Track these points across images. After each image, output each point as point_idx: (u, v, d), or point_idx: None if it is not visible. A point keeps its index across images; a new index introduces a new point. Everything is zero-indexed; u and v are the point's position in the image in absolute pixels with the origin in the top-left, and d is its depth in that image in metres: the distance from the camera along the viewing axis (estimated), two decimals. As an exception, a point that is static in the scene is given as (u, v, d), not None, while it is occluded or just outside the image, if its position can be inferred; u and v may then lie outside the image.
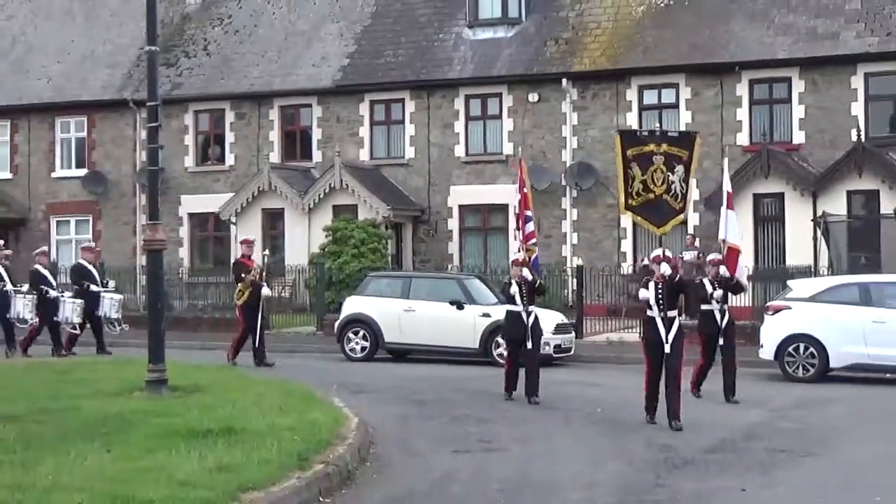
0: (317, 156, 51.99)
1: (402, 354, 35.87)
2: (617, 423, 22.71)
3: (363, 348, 35.51)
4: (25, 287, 33.71)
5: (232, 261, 37.67)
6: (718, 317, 26.20)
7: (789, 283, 35.09)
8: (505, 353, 32.95)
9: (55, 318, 33.64)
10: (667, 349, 21.92)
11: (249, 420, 19.38)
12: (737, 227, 27.98)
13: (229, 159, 53.79)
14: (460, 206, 50.30)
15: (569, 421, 23.03)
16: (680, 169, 23.49)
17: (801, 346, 30.35)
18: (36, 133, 57.09)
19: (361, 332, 35.72)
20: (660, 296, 22.18)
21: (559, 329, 34.45)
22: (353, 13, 54.00)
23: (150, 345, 23.82)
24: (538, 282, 26.29)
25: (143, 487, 14.89)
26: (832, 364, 29.56)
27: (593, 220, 47.93)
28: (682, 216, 24.54)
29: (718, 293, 26.11)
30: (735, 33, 46.69)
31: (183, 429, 18.46)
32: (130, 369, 24.77)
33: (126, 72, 55.02)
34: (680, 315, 23.16)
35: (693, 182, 23.99)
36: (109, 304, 35.10)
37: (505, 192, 49.01)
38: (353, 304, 36.37)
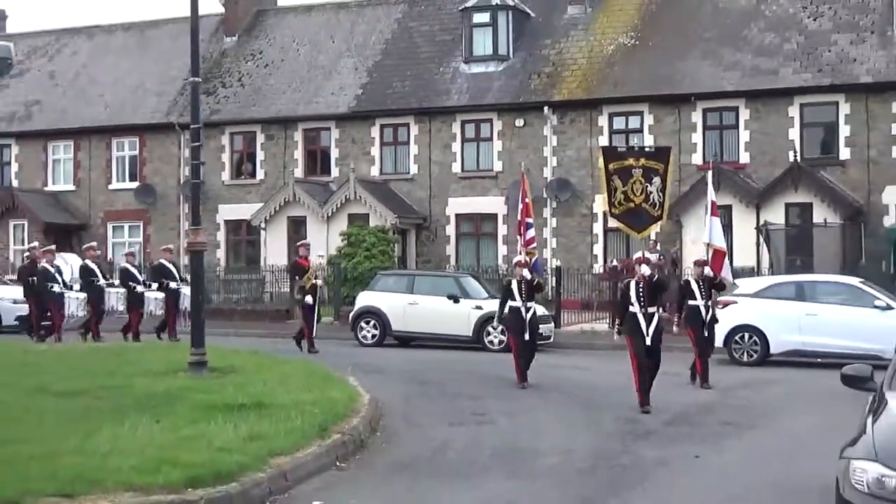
0: (334, 171, 51.93)
1: (407, 341, 35.81)
2: (590, 400, 22.81)
3: (373, 336, 35.57)
4: (116, 282, 33.98)
5: (291, 263, 37.21)
6: (703, 312, 25.57)
7: (736, 281, 35.20)
8: (496, 341, 33.58)
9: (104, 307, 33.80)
10: (648, 342, 21.52)
11: (277, 396, 19.45)
12: (721, 232, 28.31)
13: (259, 174, 53.72)
14: (456, 215, 50.24)
15: (549, 398, 23.11)
16: (657, 180, 24.42)
17: (746, 335, 30.44)
18: (95, 151, 57.05)
19: (372, 322, 35.83)
20: (641, 294, 21.75)
21: (541, 320, 34.45)
22: (366, 50, 54.01)
23: (192, 332, 24.08)
24: (536, 281, 26.09)
25: (186, 453, 14.97)
26: (772, 350, 29.66)
27: (570, 228, 47.95)
28: (660, 222, 25.39)
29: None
30: (690, 69, 46.76)
31: (220, 403, 18.53)
32: (175, 353, 24.84)
33: (172, 99, 55.01)
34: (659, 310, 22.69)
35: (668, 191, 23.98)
36: (186, 298, 35.48)
37: (494, 203, 49.31)
38: (365, 298, 36.44)
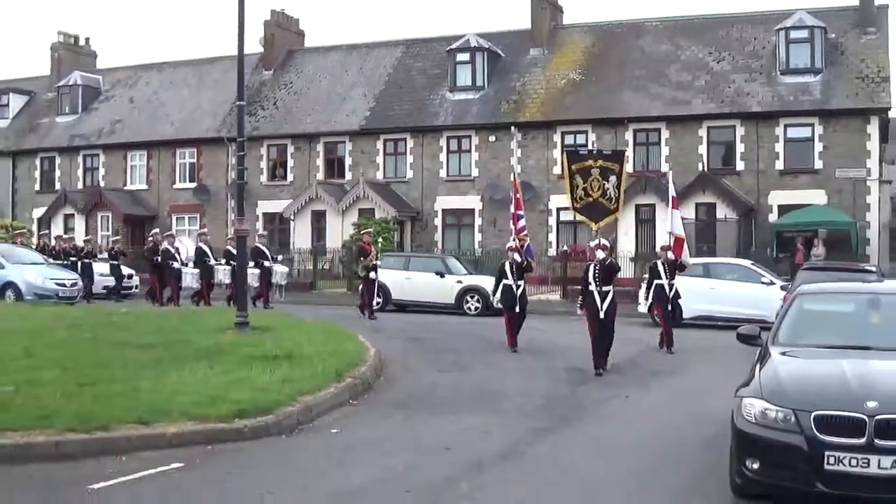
0: (348, 175, 51.83)
1: (404, 307, 35.79)
2: (546, 354, 22.87)
3: (378, 303, 34.93)
4: (223, 261, 33.70)
5: (356, 247, 36.37)
6: (667, 289, 24.86)
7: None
8: (472, 307, 33.57)
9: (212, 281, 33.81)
10: (601, 315, 20.54)
11: (303, 349, 19.45)
12: (680, 222, 27.10)
13: (290, 177, 53.61)
14: (442, 210, 50.17)
15: (514, 352, 23.16)
16: (613, 178, 22.94)
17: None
18: (163, 159, 56.98)
19: (378, 293, 35.50)
20: (596, 275, 20.79)
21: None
22: (373, 81, 53.92)
23: (237, 299, 24.21)
24: (525, 262, 24.92)
25: (234, 392, 15.09)
26: (685, 316, 29.45)
27: (531, 220, 47.20)
28: (615, 214, 23.89)
29: None
30: (624, 99, 46.80)
31: (259, 354, 18.60)
32: (225, 316, 24.77)
33: (222, 119, 54.88)
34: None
35: (624, 188, 23.38)
36: (280, 274, 35.50)
37: (472, 201, 49.41)
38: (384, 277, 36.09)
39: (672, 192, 28.02)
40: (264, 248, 35.24)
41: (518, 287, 24.25)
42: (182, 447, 12.94)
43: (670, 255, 25.28)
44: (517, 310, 24.17)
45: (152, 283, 34.83)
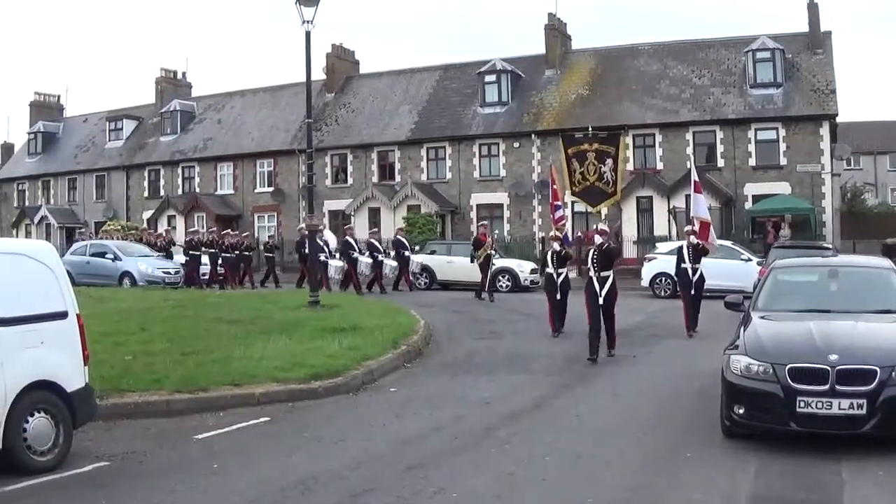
0: (398, 178, 51.58)
1: (447, 286, 35.35)
2: (566, 323, 22.51)
3: (426, 283, 35.31)
4: (366, 252, 33.29)
5: (472, 237, 35.29)
6: (691, 273, 20.83)
7: (657, 245, 35.26)
8: (503, 286, 33.40)
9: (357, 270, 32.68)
10: (600, 301, 17.47)
11: (365, 322, 19.54)
12: (705, 206, 22.53)
13: (349, 181, 53.42)
14: (477, 205, 49.78)
15: (539, 321, 22.37)
16: (609, 161, 20.64)
17: (663, 278, 30.36)
18: (246, 168, 56.99)
19: (425, 274, 35.52)
20: (595, 260, 17.70)
21: (532, 271, 34.24)
22: (416, 99, 53.70)
23: (310, 281, 24.22)
24: (565, 251, 20.98)
25: (309, 358, 15.20)
26: (678, 289, 29.24)
27: (548, 212, 47.74)
28: (615, 198, 21.72)
29: None
30: (624, 109, 46.40)
31: (329, 327, 18.66)
32: (301, 295, 24.85)
33: (294, 134, 54.83)
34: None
35: (622, 170, 21.28)
36: (415, 263, 34.84)
37: (501, 197, 49.03)
38: (419, 259, 35.86)
39: (694, 175, 23.31)
40: (404, 240, 34.83)
41: (559, 275, 20.55)
42: (268, 404, 13.05)
43: (693, 239, 21.21)
44: (558, 297, 20.54)
45: (301, 271, 33.86)
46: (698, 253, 21.00)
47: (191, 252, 35.45)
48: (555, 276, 20.68)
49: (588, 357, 16.94)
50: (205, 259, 35.49)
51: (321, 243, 31.50)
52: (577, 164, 20.85)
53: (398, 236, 35.39)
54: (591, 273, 17.84)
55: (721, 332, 14.70)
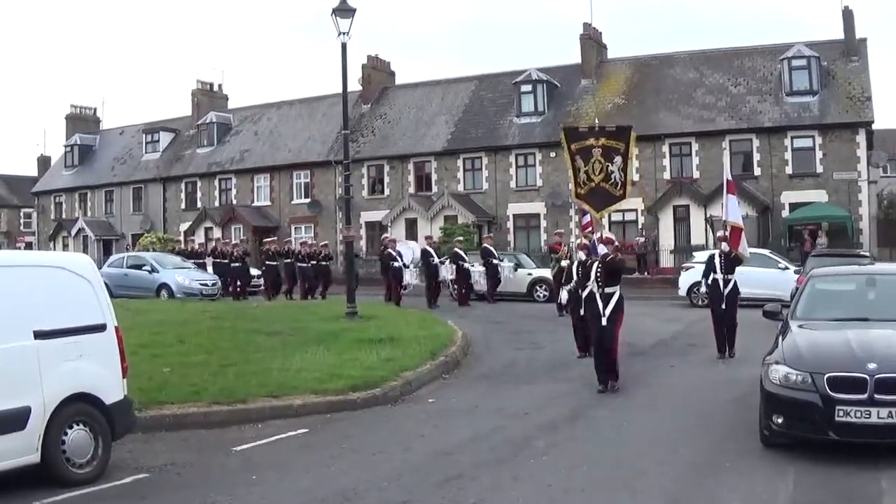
0: (434, 188, 51.64)
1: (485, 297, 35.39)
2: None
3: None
4: (448, 260, 32.97)
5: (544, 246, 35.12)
6: (721, 285, 18.23)
7: (694, 254, 35.05)
8: (541, 296, 33.30)
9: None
10: (604, 322, 14.84)
11: (403, 333, 19.54)
12: (737, 209, 20.08)
13: (386, 192, 53.56)
14: (513, 215, 49.81)
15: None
16: (618, 159, 17.87)
17: (699, 287, 30.13)
18: (283, 180, 57.29)
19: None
20: (598, 274, 15.07)
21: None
22: (452, 110, 53.77)
23: (347, 292, 24.00)
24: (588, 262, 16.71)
25: (347, 369, 15.24)
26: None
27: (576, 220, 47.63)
28: (621, 202, 18.75)
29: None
30: (660, 118, 46.24)
31: (367, 338, 18.69)
32: (337, 306, 24.90)
33: (330, 146, 55.08)
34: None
35: (632, 169, 17.96)
36: (508, 269, 34.27)
37: (537, 207, 48.92)
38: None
39: (727, 174, 20.85)
40: (491, 248, 34.43)
41: (584, 289, 16.15)
42: (306, 416, 13.10)
43: (725, 246, 18.66)
44: (582, 312, 16.76)
45: (387, 284, 32.52)
46: (731, 262, 18.51)
47: (267, 262, 35.82)
48: (578, 290, 17.24)
49: (598, 389, 14.82)
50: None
51: (394, 253, 31.54)
52: (582, 161, 18.11)
53: (486, 244, 34.78)
54: (595, 289, 15.28)
55: (760, 339, 14.61)
